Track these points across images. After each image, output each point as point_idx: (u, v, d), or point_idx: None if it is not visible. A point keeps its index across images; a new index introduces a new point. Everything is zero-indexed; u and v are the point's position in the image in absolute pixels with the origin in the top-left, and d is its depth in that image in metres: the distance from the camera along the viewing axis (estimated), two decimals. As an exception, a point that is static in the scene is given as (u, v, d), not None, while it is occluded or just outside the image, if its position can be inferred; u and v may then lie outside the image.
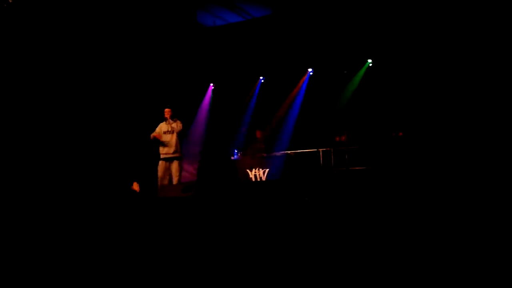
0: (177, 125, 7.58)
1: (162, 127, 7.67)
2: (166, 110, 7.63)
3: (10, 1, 6.65)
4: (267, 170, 8.97)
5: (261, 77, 11.35)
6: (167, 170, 7.56)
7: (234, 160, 9.59)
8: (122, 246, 3.15)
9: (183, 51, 10.25)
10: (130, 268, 2.74)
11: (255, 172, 9.05)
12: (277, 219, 4.41)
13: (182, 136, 7.74)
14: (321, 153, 8.99)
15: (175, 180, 7.47)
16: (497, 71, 7.91)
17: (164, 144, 7.57)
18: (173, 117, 7.65)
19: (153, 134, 7.57)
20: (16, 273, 2.74)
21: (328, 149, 9.03)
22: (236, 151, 9.70)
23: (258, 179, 8.93)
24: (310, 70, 10.72)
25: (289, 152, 9.40)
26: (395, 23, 8.94)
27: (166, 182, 7.50)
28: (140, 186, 7.84)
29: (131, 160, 8.95)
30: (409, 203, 5.75)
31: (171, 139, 7.54)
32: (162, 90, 9.83)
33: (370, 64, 9.98)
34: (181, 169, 7.65)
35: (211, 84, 11.72)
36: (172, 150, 7.53)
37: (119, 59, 8.91)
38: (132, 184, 7.33)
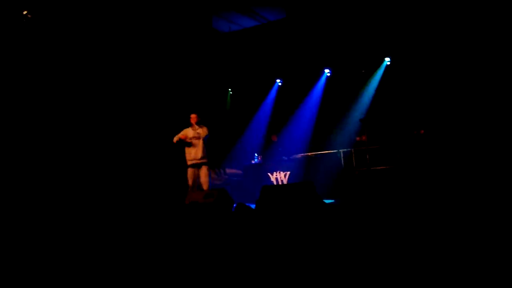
0: (203, 131, 7.54)
1: (188, 133, 7.61)
2: (192, 116, 7.59)
3: (29, 16, 6.81)
4: (288, 173, 8.95)
5: (278, 80, 11.35)
6: (196, 176, 7.53)
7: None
8: (138, 247, 3.18)
9: (200, 58, 10.33)
10: (142, 268, 2.77)
11: (276, 175, 9.04)
12: (301, 221, 4.39)
13: (208, 141, 7.71)
14: (342, 154, 8.90)
15: (205, 186, 7.42)
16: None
17: (190, 151, 7.54)
18: (199, 123, 7.61)
19: (178, 136, 7.52)
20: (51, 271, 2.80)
21: (349, 149, 8.95)
22: (256, 155, 9.70)
23: (280, 183, 8.91)
24: (327, 70, 10.68)
25: (309, 154, 9.37)
26: (413, 19, 8.84)
27: (195, 188, 7.47)
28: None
29: (151, 166, 9.05)
30: (432, 202, 5.66)
31: (198, 145, 7.50)
32: (180, 97, 9.92)
33: (388, 63, 9.89)
34: (210, 174, 7.62)
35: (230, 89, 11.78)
36: (199, 155, 7.49)
37: (136, 66, 9.03)
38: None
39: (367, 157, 8.54)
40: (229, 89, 11.79)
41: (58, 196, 7.24)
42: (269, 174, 9.16)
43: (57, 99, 7.76)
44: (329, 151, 9.13)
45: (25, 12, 6.76)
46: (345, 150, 8.91)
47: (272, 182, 9.05)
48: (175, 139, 7.53)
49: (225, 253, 2.94)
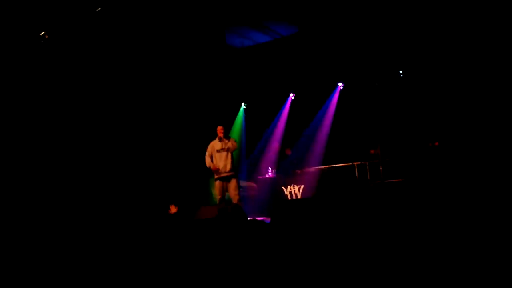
0: (232, 144, 7.41)
1: (215, 145, 7.48)
2: (219, 128, 7.46)
3: (47, 36, 6.98)
4: (302, 186, 8.96)
5: (291, 94, 11.42)
6: (224, 190, 7.38)
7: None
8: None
9: (214, 73, 10.45)
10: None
11: (290, 189, 9.06)
12: (314, 236, 4.40)
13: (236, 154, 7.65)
14: (356, 167, 8.89)
15: (234, 199, 7.26)
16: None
17: (218, 163, 7.37)
18: (226, 135, 7.50)
19: (208, 164, 7.48)
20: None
21: (363, 162, 8.93)
22: (270, 168, 9.74)
23: (294, 196, 8.93)
24: (340, 84, 10.71)
25: (323, 167, 9.37)
26: (426, 31, 8.85)
27: (224, 201, 7.34)
28: (178, 208, 7.95)
29: (168, 181, 9.15)
30: (448, 215, 5.62)
31: (226, 157, 7.35)
32: (194, 111, 10.04)
33: (401, 75, 9.88)
34: (239, 187, 7.47)
35: (243, 104, 11.88)
36: (228, 168, 7.34)
37: (150, 81, 9.17)
38: (169, 208, 7.42)
39: (381, 169, 8.52)
40: (243, 103, 11.88)
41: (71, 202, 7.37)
42: (283, 187, 9.18)
43: (75, 117, 7.94)
44: (343, 164, 9.12)
45: (42, 33, 6.94)
46: (359, 163, 8.91)
47: (286, 195, 9.07)
48: (208, 164, 7.48)
49: (236, 269, 2.98)
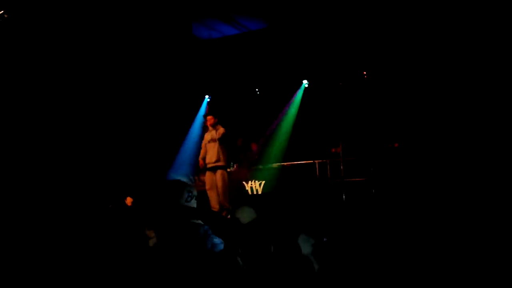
0: (216, 132, 7.17)
1: (206, 136, 7.34)
2: (208, 117, 7.30)
3: (6, 16, 6.64)
4: (263, 182, 8.94)
5: (256, 89, 11.36)
6: (213, 180, 7.17)
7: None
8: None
9: (178, 63, 10.27)
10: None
11: (251, 184, 9.02)
12: (273, 232, 4.37)
13: (224, 142, 7.27)
14: (317, 165, 8.95)
15: (220, 190, 7.09)
16: (497, 77, 7.89)
17: (207, 154, 7.21)
18: (216, 124, 7.26)
19: (201, 156, 7.35)
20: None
21: (324, 160, 9.00)
22: (232, 163, 9.67)
23: (255, 192, 8.89)
24: (305, 82, 10.75)
25: (285, 163, 9.38)
26: (390, 33, 8.98)
27: (214, 193, 7.15)
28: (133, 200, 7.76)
29: (126, 173, 8.95)
30: (405, 215, 5.74)
31: (214, 147, 7.13)
32: (157, 102, 9.85)
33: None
34: (226, 178, 7.24)
35: (207, 96, 11.73)
36: (214, 159, 7.12)
37: (112, 71, 8.93)
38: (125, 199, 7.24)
39: (342, 168, 8.61)
40: (207, 96, 11.74)
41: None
42: (244, 182, 9.13)
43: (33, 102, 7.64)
44: (305, 162, 9.17)
45: (1, 12, 6.59)
46: (320, 161, 8.97)
47: (247, 191, 9.03)
48: (201, 162, 7.33)
49: (191, 264, 2.90)
